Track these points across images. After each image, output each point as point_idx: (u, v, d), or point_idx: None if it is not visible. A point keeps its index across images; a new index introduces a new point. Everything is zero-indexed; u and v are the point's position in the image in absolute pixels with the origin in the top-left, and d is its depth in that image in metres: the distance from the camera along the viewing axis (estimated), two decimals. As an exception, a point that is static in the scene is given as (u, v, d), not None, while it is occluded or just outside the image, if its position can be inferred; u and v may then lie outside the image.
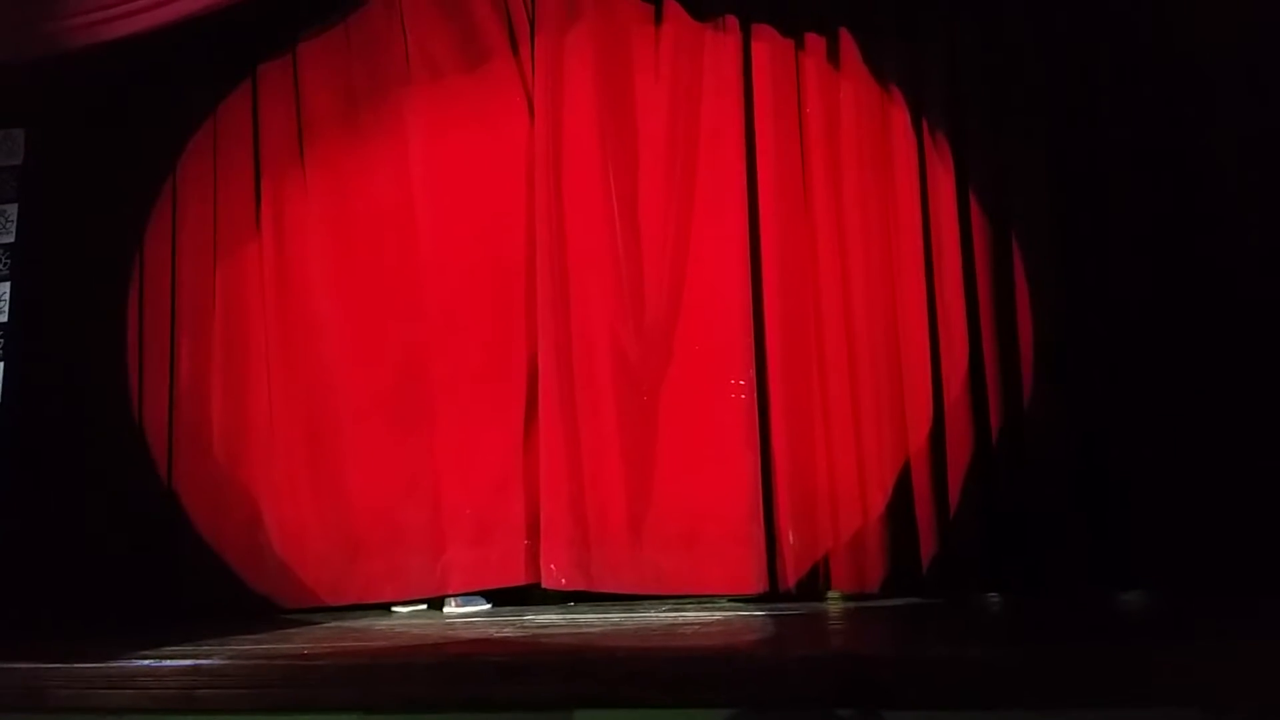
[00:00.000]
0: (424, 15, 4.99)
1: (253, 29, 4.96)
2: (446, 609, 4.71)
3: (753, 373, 4.62)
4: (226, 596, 4.77)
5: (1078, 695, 3.03)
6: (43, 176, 5.03)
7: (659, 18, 4.87)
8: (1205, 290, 4.36)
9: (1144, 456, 4.33)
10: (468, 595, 4.73)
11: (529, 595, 4.74)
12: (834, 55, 4.75)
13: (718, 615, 4.27)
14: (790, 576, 4.54)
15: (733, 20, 4.78)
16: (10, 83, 4.70)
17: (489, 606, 4.73)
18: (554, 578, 4.61)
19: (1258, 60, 4.38)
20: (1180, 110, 4.46)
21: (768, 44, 4.76)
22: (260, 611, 4.68)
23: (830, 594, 4.56)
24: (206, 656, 3.56)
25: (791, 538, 4.54)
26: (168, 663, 3.51)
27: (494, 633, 4.08)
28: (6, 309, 4.88)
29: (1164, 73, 4.50)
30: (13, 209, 4.96)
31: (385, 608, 4.76)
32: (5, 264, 4.91)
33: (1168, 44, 4.51)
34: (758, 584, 4.50)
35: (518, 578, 4.70)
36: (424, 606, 4.77)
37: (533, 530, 4.68)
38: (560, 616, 4.39)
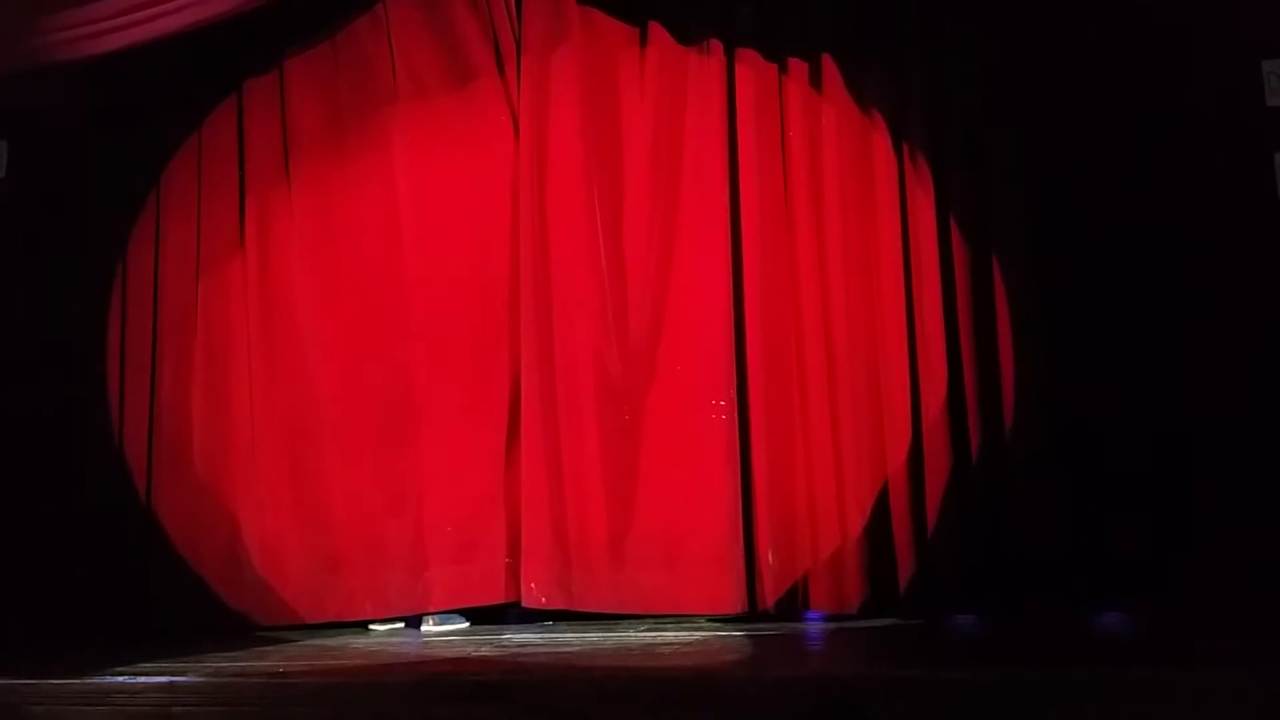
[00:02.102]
0: (411, 33, 5.01)
1: (239, 44, 4.97)
2: (424, 627, 4.70)
3: (734, 393, 4.64)
4: (205, 614, 4.75)
5: (1055, 718, 3.04)
6: (25, 189, 5.02)
7: (644, 40, 4.90)
8: (1188, 311, 4.40)
9: (1124, 479, 4.36)
10: (446, 614, 4.72)
11: (507, 614, 4.74)
12: (816, 80, 4.79)
13: (697, 635, 4.28)
14: (769, 597, 4.55)
15: (717, 44, 4.82)
16: (-6, 95, 4.70)
17: (467, 625, 4.72)
18: (534, 596, 4.62)
19: (1235, 83, 4.44)
20: (1160, 134, 4.51)
21: (751, 68, 4.80)
22: (238, 629, 4.66)
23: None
24: (182, 674, 3.55)
25: (771, 558, 4.56)
26: (143, 680, 3.50)
27: (472, 652, 4.08)
28: (-13, 322, 4.87)
29: (1143, 96, 4.55)
30: (-5, 221, 4.95)
31: (363, 626, 4.74)
32: (-14, 277, 4.90)
33: (1146, 68, 4.56)
34: (737, 604, 4.51)
35: (498, 596, 4.70)
36: (401, 625, 4.76)
37: (514, 548, 4.69)
38: (539, 636, 4.39)
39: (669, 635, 4.29)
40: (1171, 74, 4.51)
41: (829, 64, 4.77)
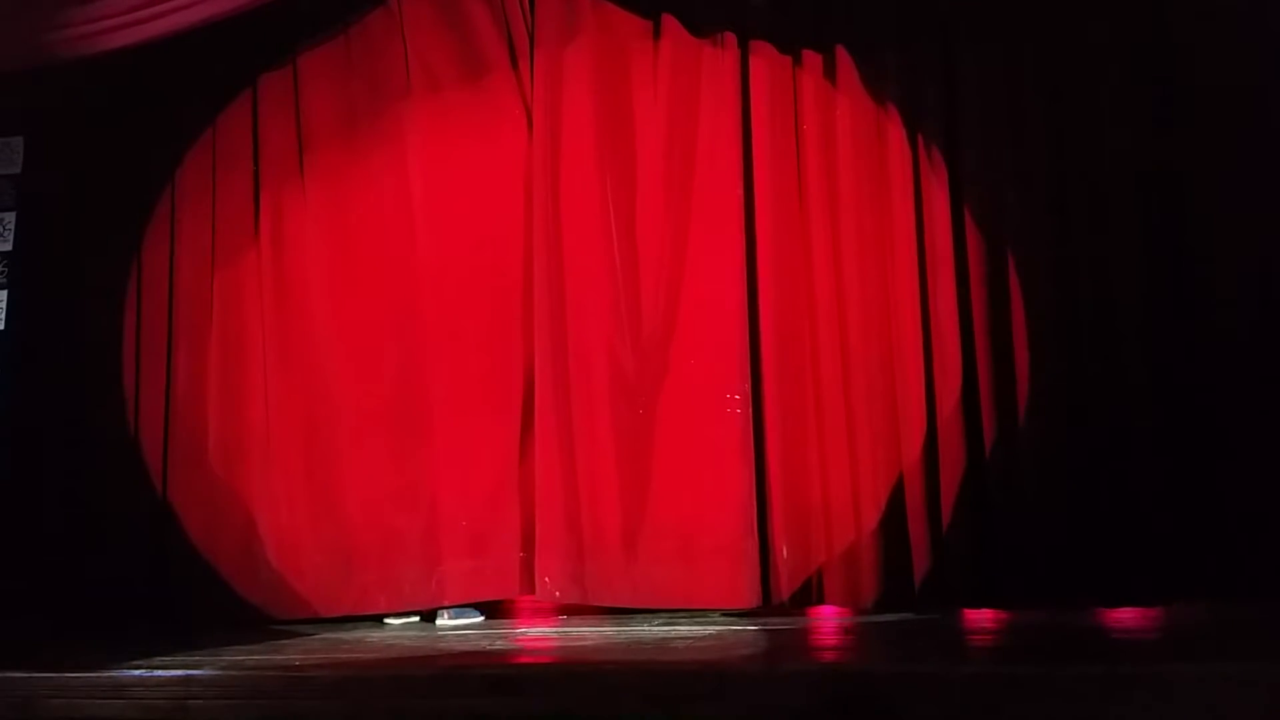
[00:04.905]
0: (424, 28, 5.01)
1: (253, 39, 4.98)
2: (439, 621, 4.71)
3: (748, 387, 4.63)
4: (220, 607, 4.77)
5: (1070, 714, 3.03)
6: (41, 185, 5.05)
7: (657, 33, 4.89)
8: (1201, 307, 4.37)
9: (1138, 473, 4.33)
10: (460, 607, 4.73)
11: (521, 608, 4.74)
12: (831, 72, 4.77)
13: (710, 629, 4.27)
14: (784, 591, 4.54)
15: (731, 37, 4.80)
16: (10, 91, 4.71)
17: (481, 619, 4.73)
18: (548, 590, 4.62)
19: (1256, 80, 4.40)
20: (1178, 129, 4.48)
21: (765, 60, 4.78)
22: (253, 622, 4.68)
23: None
24: (198, 667, 3.56)
25: (785, 552, 4.55)
26: (159, 673, 3.51)
27: (486, 645, 4.08)
28: (4, 317, 4.90)
29: (1161, 91, 4.51)
30: (11, 217, 4.98)
31: (378, 619, 4.76)
32: (3, 273, 4.93)
33: (1165, 62, 4.53)
34: (751, 598, 4.50)
35: (512, 590, 4.72)
36: (416, 619, 4.77)
37: (528, 542, 4.69)
38: (552, 630, 4.39)
39: (683, 629, 4.28)
40: (1191, 67, 4.47)
41: (843, 56, 4.74)
